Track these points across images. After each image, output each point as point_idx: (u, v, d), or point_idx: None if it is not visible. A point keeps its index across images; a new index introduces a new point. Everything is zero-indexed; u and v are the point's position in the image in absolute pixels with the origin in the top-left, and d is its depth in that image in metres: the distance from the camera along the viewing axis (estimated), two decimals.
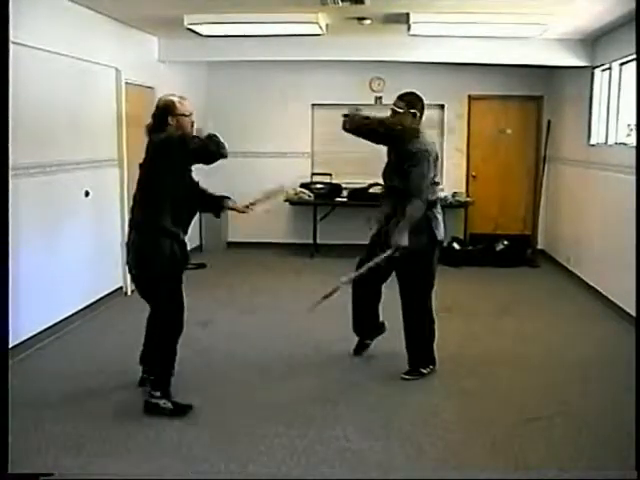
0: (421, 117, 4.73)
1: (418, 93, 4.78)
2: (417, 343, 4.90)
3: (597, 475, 3.51)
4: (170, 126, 4.17)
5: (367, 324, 5.25)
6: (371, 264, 4.65)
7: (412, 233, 4.57)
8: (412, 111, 4.67)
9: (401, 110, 4.66)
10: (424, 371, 4.85)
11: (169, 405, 4.14)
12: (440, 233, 4.76)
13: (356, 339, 5.27)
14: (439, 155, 4.82)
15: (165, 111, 4.21)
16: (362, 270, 4.74)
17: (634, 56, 6.48)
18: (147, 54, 7.70)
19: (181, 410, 4.15)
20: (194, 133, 4.27)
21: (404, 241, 4.52)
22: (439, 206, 4.84)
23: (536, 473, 3.55)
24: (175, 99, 4.26)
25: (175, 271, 4.22)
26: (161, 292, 4.18)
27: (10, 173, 3.40)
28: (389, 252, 4.57)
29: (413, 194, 4.53)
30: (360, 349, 5.28)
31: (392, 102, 4.78)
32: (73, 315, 5.89)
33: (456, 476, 3.54)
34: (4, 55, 2.93)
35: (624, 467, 3.49)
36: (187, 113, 4.25)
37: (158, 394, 4.15)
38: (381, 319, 5.30)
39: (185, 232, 4.29)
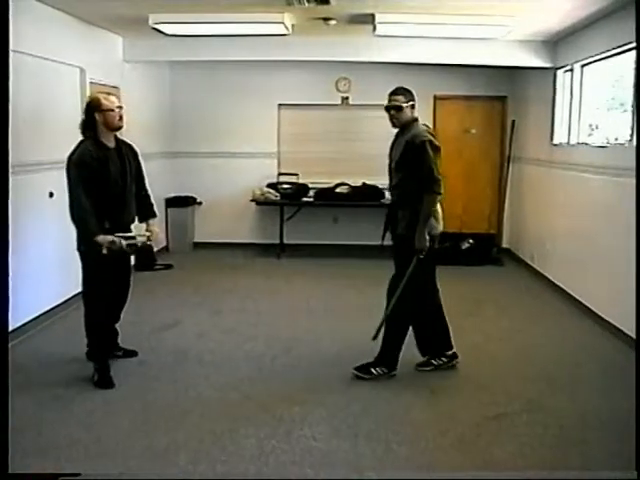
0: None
1: (404, 87, 4.82)
2: (385, 336, 4.82)
3: (597, 475, 3.54)
4: (98, 122, 4.49)
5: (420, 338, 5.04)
6: (397, 293, 4.66)
7: (407, 225, 4.60)
8: (411, 103, 4.70)
9: (404, 105, 4.65)
10: (374, 372, 4.77)
11: (95, 378, 4.61)
12: (429, 231, 4.59)
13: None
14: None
15: (91, 108, 4.50)
16: (385, 313, 4.77)
17: (595, 57, 6.60)
18: (112, 54, 7.63)
19: (103, 384, 4.56)
20: (123, 126, 4.61)
21: (425, 243, 4.52)
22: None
23: (536, 474, 3.57)
24: (100, 95, 4.57)
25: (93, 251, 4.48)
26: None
27: None
28: (415, 261, 4.55)
29: (424, 188, 4.51)
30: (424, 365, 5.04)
31: (387, 101, 4.71)
32: (37, 318, 5.84)
33: (455, 476, 3.56)
34: (4, 54, 2.83)
35: (587, 462, 3.59)
36: (113, 108, 4.50)
37: (95, 365, 4.67)
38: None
39: (113, 221, 4.57)
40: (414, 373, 4.92)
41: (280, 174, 9.82)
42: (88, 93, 6.67)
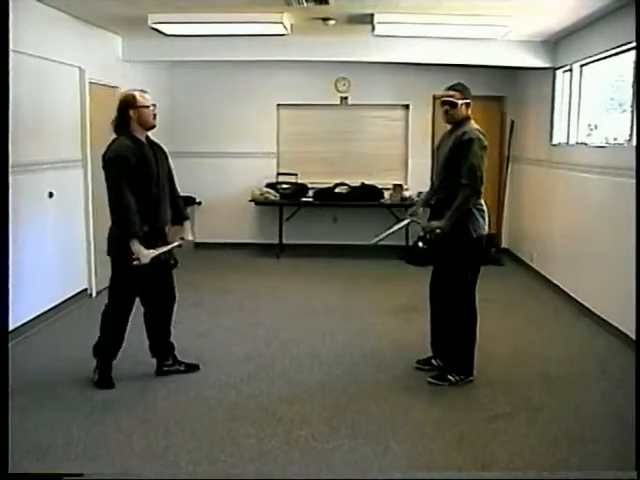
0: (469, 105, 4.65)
1: (462, 82, 4.74)
2: (448, 345, 4.75)
3: (597, 475, 3.54)
4: (132, 120, 4.36)
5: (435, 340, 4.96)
6: (391, 230, 4.82)
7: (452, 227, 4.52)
8: (466, 101, 4.63)
9: (459, 102, 4.59)
10: (452, 379, 4.68)
11: (95, 377, 4.61)
12: (476, 230, 4.52)
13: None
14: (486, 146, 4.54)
15: (126, 105, 4.39)
16: (384, 234, 4.86)
17: (594, 57, 6.60)
18: (111, 53, 7.62)
19: (103, 384, 4.57)
20: (156, 125, 4.48)
21: (444, 227, 4.45)
22: (482, 200, 4.59)
23: (536, 474, 3.57)
24: (136, 92, 4.44)
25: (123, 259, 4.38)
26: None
27: None
28: (406, 221, 4.68)
29: (464, 182, 4.41)
30: (424, 363, 5.01)
31: (442, 94, 4.66)
32: (36, 318, 5.83)
33: (455, 476, 3.56)
34: (4, 54, 2.83)
35: (587, 462, 3.60)
36: (148, 105, 4.41)
37: (97, 363, 4.66)
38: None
39: (151, 223, 4.52)
40: (414, 373, 4.91)
41: (279, 174, 9.81)
42: (87, 93, 6.68)
